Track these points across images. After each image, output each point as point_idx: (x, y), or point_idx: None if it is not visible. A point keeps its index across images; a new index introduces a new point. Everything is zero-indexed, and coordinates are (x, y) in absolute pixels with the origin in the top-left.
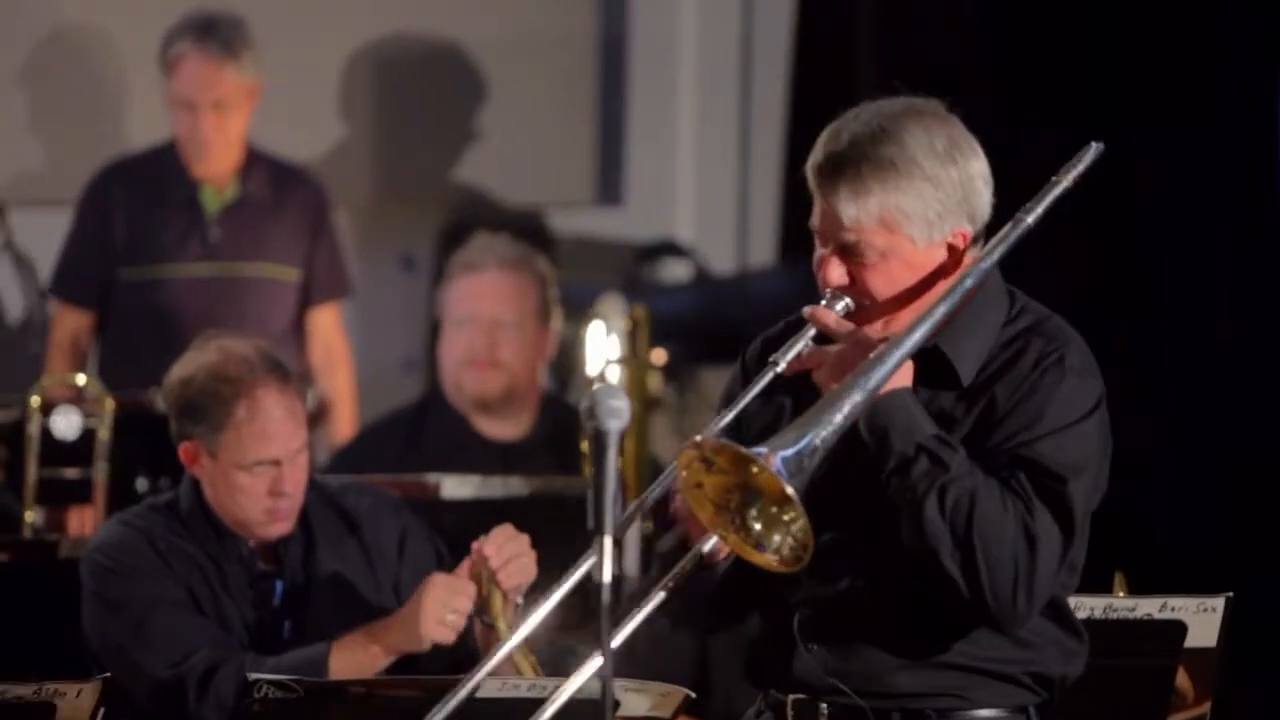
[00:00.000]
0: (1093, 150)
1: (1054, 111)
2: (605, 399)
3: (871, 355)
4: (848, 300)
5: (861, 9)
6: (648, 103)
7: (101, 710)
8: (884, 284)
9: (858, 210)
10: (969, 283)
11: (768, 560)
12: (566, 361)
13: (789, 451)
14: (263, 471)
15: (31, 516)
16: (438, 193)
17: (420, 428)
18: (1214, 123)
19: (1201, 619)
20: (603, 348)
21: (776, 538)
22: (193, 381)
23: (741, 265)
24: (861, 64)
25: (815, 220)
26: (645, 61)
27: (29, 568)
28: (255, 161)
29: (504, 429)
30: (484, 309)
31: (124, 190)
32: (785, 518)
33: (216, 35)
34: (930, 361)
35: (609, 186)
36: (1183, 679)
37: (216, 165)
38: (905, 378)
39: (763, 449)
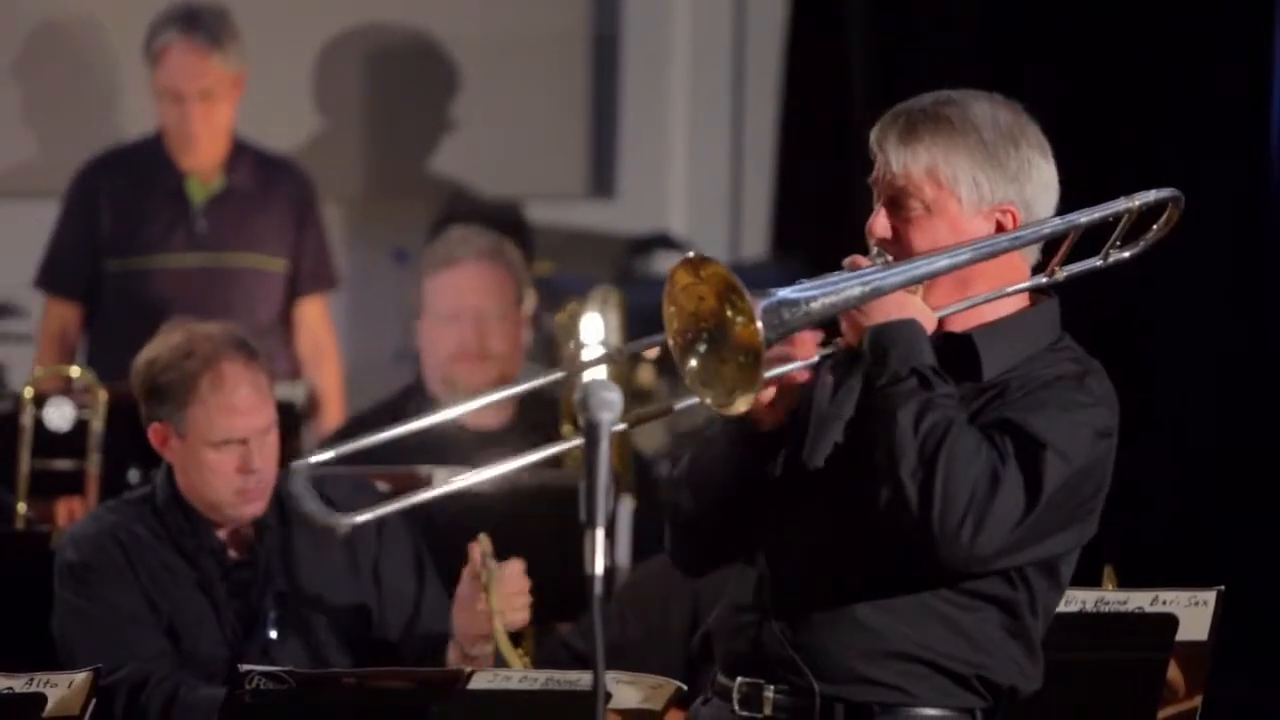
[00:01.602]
0: (1167, 190)
1: (1049, 108)
2: (597, 391)
3: (885, 263)
4: (888, 256)
5: (854, 3)
6: (640, 96)
7: (93, 702)
8: (925, 241)
9: (908, 157)
10: (1003, 242)
11: (689, 370)
12: (557, 353)
13: (770, 301)
14: (231, 450)
15: (24, 508)
16: (430, 186)
17: (401, 419)
18: (1210, 122)
19: (1193, 612)
20: (595, 340)
21: (715, 390)
22: (157, 361)
23: (734, 258)
24: (854, 58)
25: (872, 175)
26: (638, 55)
27: (21, 559)
28: (241, 152)
29: (486, 418)
30: (469, 302)
31: (110, 182)
32: (740, 367)
33: (202, 26)
34: (957, 351)
35: (602, 179)
36: (1174, 672)
37: (203, 156)
38: (926, 321)
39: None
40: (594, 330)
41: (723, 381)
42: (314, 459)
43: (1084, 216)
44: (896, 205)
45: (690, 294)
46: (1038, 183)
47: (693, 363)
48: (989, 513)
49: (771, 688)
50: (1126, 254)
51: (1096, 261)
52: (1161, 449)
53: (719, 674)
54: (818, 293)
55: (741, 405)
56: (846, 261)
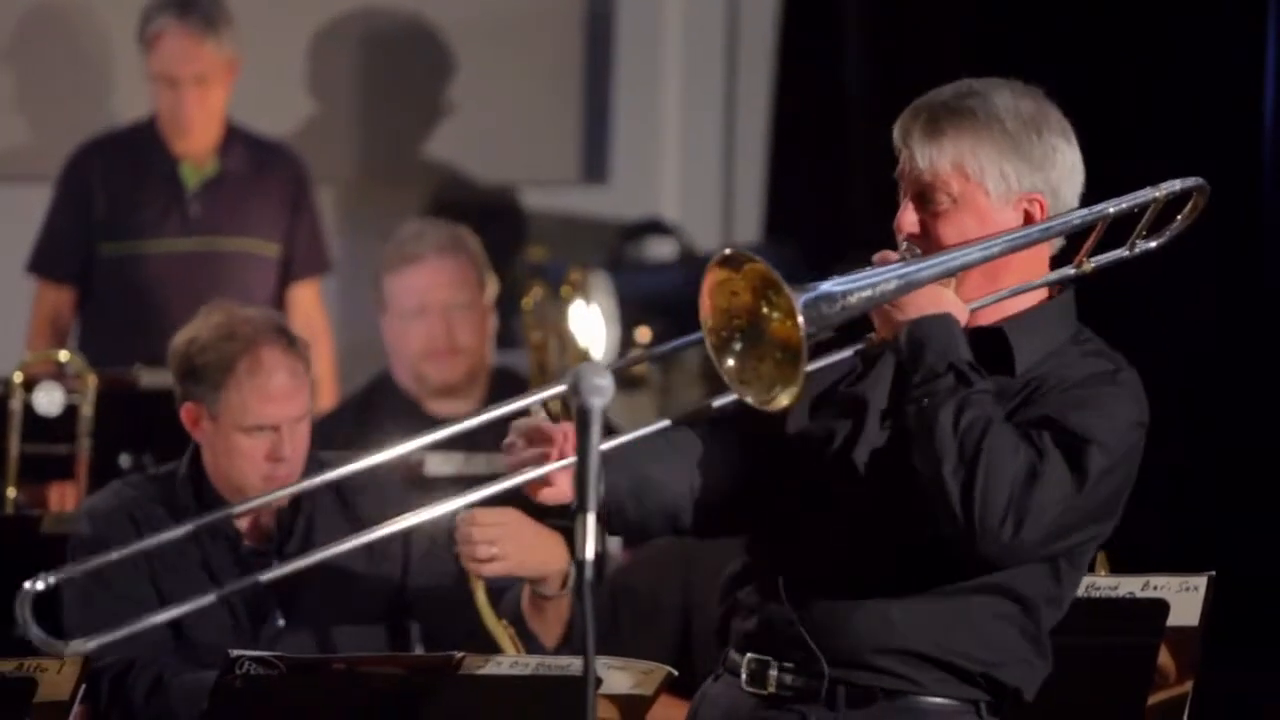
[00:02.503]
0: (1193, 180)
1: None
2: (589, 376)
3: (917, 257)
4: (917, 251)
5: None
6: (633, 81)
7: (83, 687)
8: (954, 234)
9: (934, 151)
10: (1035, 234)
11: (727, 369)
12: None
13: (810, 295)
14: (262, 436)
15: (14, 493)
16: (423, 171)
17: (370, 412)
18: (1202, 122)
19: (1184, 598)
20: (586, 325)
21: (756, 387)
22: (197, 340)
23: (726, 243)
24: (849, 43)
25: (898, 169)
26: (631, 39)
27: (11, 544)
28: (235, 137)
29: (454, 407)
30: (435, 297)
31: (104, 167)
32: (778, 364)
33: (196, 11)
34: (989, 345)
35: (594, 165)
36: (1165, 658)
37: (197, 141)
38: (960, 314)
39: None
40: (583, 318)
41: (761, 379)
42: (43, 584)
43: (1112, 207)
44: (924, 200)
45: (724, 290)
46: (1063, 168)
47: (730, 361)
48: (1028, 509)
49: (778, 665)
50: (1153, 244)
51: (1124, 252)
52: (1157, 434)
53: (731, 650)
54: (854, 287)
55: (784, 400)
56: (876, 257)
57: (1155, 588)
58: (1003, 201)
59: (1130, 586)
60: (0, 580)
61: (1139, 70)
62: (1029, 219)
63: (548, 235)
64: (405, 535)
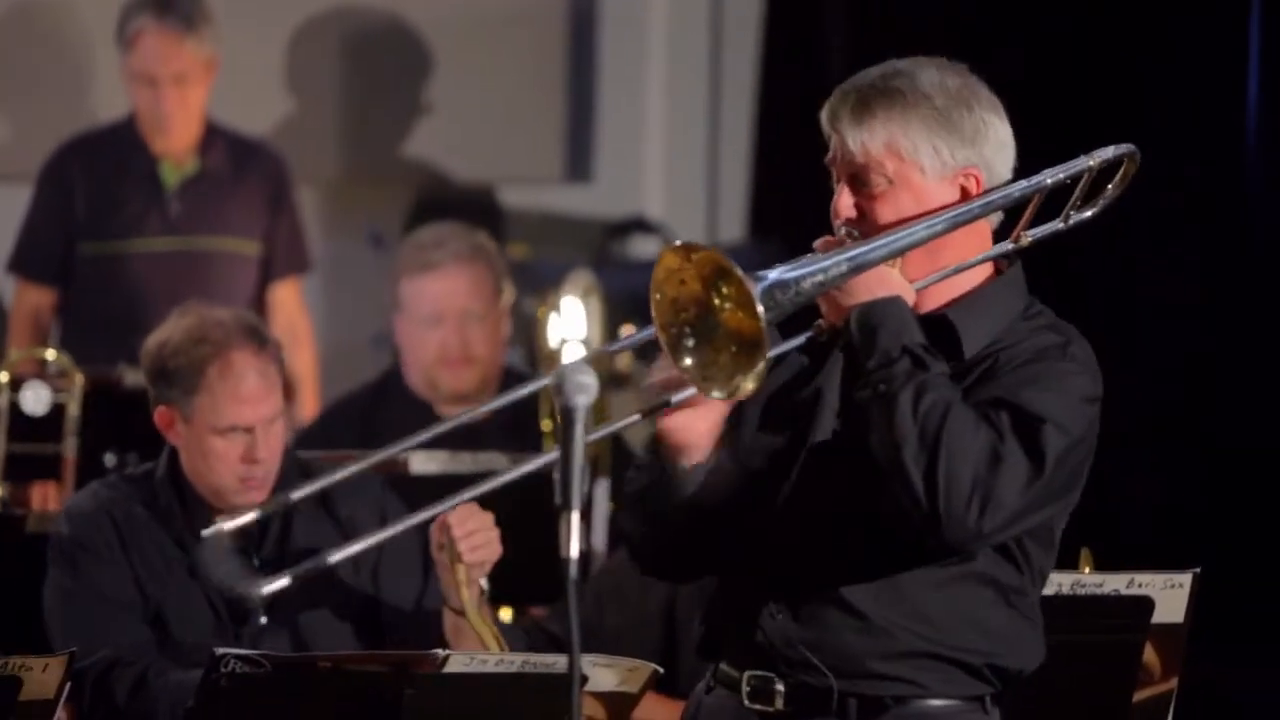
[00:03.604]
0: (1125, 146)
1: (1025, 91)
2: (572, 374)
3: (861, 238)
4: (856, 234)
5: None
6: (617, 78)
7: (67, 685)
8: (892, 214)
9: (865, 134)
10: (976, 207)
11: (686, 368)
12: (535, 341)
13: (766, 282)
14: (236, 438)
15: (1, 492)
16: (405, 170)
17: (380, 410)
18: (1187, 119)
19: (1169, 595)
20: (568, 325)
21: (715, 369)
22: (168, 344)
23: (711, 240)
24: (832, 39)
25: (828, 155)
26: (615, 37)
27: None
28: (215, 136)
29: (464, 407)
30: (451, 306)
31: (84, 166)
32: (732, 348)
33: (175, 10)
34: (937, 330)
35: (578, 163)
36: (1150, 655)
37: (177, 140)
38: (908, 295)
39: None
40: (573, 319)
41: (721, 369)
42: (230, 525)
43: (1049, 177)
44: (859, 183)
45: (673, 279)
46: (995, 142)
47: (688, 360)
48: (993, 491)
49: (782, 682)
50: (1087, 214)
51: (1059, 224)
52: (1141, 433)
53: (723, 663)
54: (807, 272)
55: (749, 385)
56: (818, 243)
57: (1140, 585)
58: (938, 178)
59: (1116, 584)
60: None
61: (1125, 62)
62: (965, 194)
63: (532, 234)
64: (378, 548)
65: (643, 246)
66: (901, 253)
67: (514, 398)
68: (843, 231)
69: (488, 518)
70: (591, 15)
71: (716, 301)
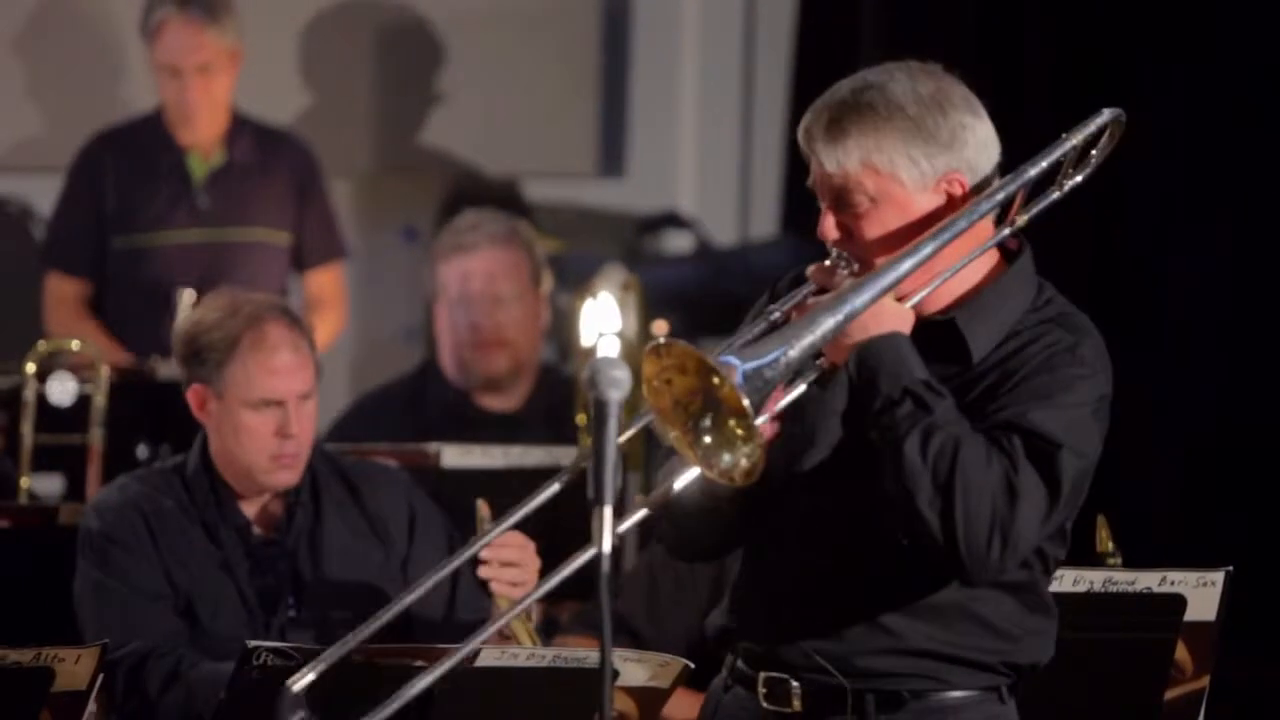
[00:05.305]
0: (1105, 115)
1: (1054, 85)
2: (606, 369)
3: (852, 282)
4: (847, 256)
5: None
6: (651, 74)
7: (100, 676)
8: (878, 230)
9: (840, 153)
10: (961, 223)
11: (712, 473)
12: (567, 333)
13: (751, 365)
14: (269, 412)
15: (28, 483)
16: (438, 163)
17: (417, 401)
18: (1225, 114)
19: (1201, 593)
20: (603, 319)
21: (727, 456)
22: (201, 322)
23: (743, 237)
24: (865, 34)
25: (809, 179)
26: (648, 33)
27: (27, 534)
28: (241, 126)
29: (502, 401)
30: (484, 288)
31: (113, 159)
32: (739, 432)
33: (197, 1)
34: (944, 335)
35: (611, 158)
36: (1182, 652)
37: (203, 131)
38: (904, 325)
39: (732, 358)
40: (608, 314)
41: (730, 442)
42: (305, 680)
43: (1032, 169)
44: (842, 203)
45: (660, 386)
46: (975, 143)
47: (707, 439)
48: (1014, 526)
49: (798, 684)
50: (1079, 178)
51: (1054, 194)
52: (1171, 430)
53: (739, 661)
54: (794, 339)
55: (759, 453)
56: (810, 271)
57: (1172, 583)
58: (920, 188)
59: (1148, 581)
60: (17, 570)
61: (1156, 56)
62: (951, 199)
63: (564, 228)
64: (410, 527)
65: (675, 242)
66: (889, 290)
67: (541, 500)
68: (834, 254)
69: (529, 550)
70: (625, 10)
71: (715, 380)
